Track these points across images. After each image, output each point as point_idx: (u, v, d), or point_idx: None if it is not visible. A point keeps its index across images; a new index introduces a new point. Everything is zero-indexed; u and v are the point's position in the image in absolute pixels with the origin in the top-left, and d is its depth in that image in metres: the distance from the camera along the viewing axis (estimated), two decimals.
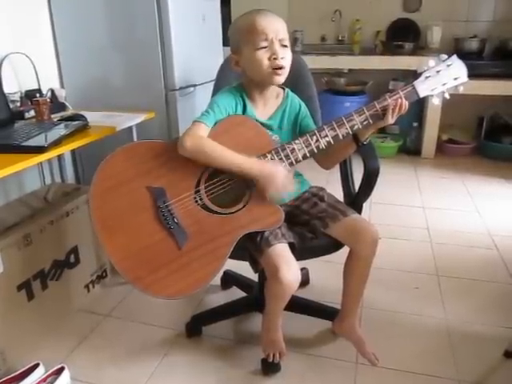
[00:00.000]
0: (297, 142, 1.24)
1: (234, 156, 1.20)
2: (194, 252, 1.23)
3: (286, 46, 1.27)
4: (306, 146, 1.24)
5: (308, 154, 1.24)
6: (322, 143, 1.24)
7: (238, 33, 1.29)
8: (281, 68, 1.25)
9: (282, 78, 1.28)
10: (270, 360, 1.43)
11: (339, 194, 1.52)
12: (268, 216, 1.25)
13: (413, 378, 1.43)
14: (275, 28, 1.24)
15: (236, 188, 1.25)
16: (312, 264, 1.70)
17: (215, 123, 1.25)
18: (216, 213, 1.24)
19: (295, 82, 1.54)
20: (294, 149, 1.23)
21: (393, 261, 2.11)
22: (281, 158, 1.23)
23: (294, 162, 1.24)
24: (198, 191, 1.24)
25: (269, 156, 1.23)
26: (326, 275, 1.85)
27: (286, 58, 1.26)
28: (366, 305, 1.76)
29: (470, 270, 2.05)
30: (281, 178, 1.20)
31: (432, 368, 1.47)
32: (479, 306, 1.78)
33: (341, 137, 1.24)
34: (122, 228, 1.24)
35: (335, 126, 1.23)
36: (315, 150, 1.24)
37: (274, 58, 1.24)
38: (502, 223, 2.52)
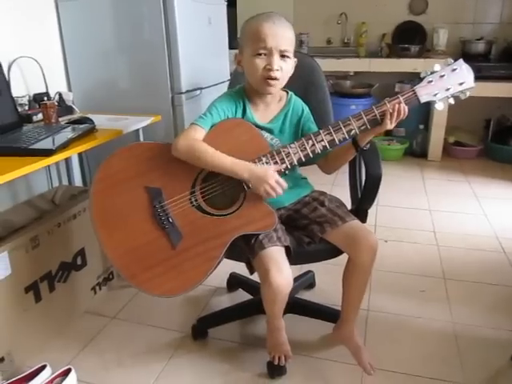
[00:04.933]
0: (292, 146, 1.23)
1: (224, 159, 1.21)
2: (187, 252, 1.25)
3: (287, 57, 1.25)
4: (302, 151, 1.23)
5: (303, 159, 1.23)
6: (318, 148, 1.23)
7: (244, 34, 1.29)
8: (274, 79, 1.25)
9: (273, 88, 1.28)
10: (276, 363, 1.43)
11: (344, 198, 1.51)
12: (261, 219, 1.25)
13: (419, 382, 1.42)
14: (278, 38, 1.23)
15: (231, 190, 1.25)
16: (318, 267, 1.70)
17: (212, 126, 1.26)
18: (210, 214, 1.26)
19: (308, 85, 1.55)
20: (289, 153, 1.23)
21: (399, 264, 2.10)
22: (276, 162, 1.23)
23: (288, 166, 1.23)
24: (194, 192, 1.26)
25: (264, 159, 1.23)
26: (332, 278, 1.83)
27: (282, 70, 1.25)
28: (372, 308, 1.76)
29: (476, 273, 2.03)
30: (271, 181, 1.19)
31: (438, 371, 1.46)
32: (486, 310, 1.77)
33: (337, 142, 1.22)
34: (119, 226, 1.28)
35: (332, 130, 1.22)
36: (310, 155, 1.23)
37: (269, 69, 1.24)
38: (509, 226, 2.51)
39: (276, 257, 1.24)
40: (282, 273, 1.21)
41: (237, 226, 1.25)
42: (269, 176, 1.19)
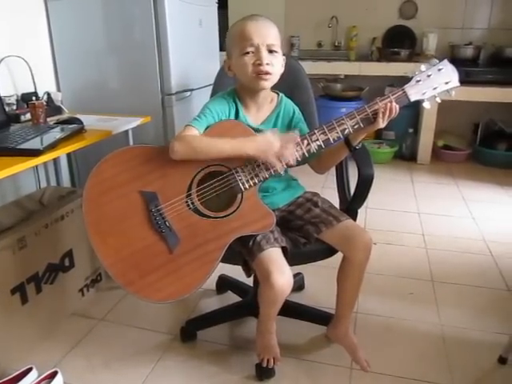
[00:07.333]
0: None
1: (223, 143, 1.20)
2: (185, 256, 1.23)
3: (275, 52, 1.26)
4: (297, 151, 1.23)
5: (299, 158, 1.24)
6: (313, 147, 1.24)
7: (229, 38, 1.31)
8: (266, 73, 1.26)
9: (267, 82, 1.28)
10: (265, 365, 1.43)
11: (335, 200, 1.52)
12: (259, 220, 1.24)
13: None
14: (263, 34, 1.24)
15: (228, 192, 1.25)
16: (307, 269, 1.70)
17: (207, 128, 1.25)
18: (208, 217, 1.25)
19: (292, 87, 1.55)
20: None
21: (388, 266, 2.12)
22: None
23: (285, 166, 1.24)
24: (190, 195, 1.25)
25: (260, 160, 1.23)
26: (321, 280, 1.85)
27: (273, 64, 1.26)
28: (360, 310, 1.77)
29: (464, 275, 2.05)
30: (277, 146, 1.19)
31: (426, 373, 1.47)
32: (474, 312, 1.79)
33: (332, 141, 1.24)
34: (114, 232, 1.25)
35: (326, 130, 1.23)
36: (306, 154, 1.24)
37: (258, 64, 1.24)
38: (497, 229, 2.53)
39: (276, 258, 1.24)
40: (283, 274, 1.22)
41: (235, 227, 1.24)
42: (274, 142, 1.19)
